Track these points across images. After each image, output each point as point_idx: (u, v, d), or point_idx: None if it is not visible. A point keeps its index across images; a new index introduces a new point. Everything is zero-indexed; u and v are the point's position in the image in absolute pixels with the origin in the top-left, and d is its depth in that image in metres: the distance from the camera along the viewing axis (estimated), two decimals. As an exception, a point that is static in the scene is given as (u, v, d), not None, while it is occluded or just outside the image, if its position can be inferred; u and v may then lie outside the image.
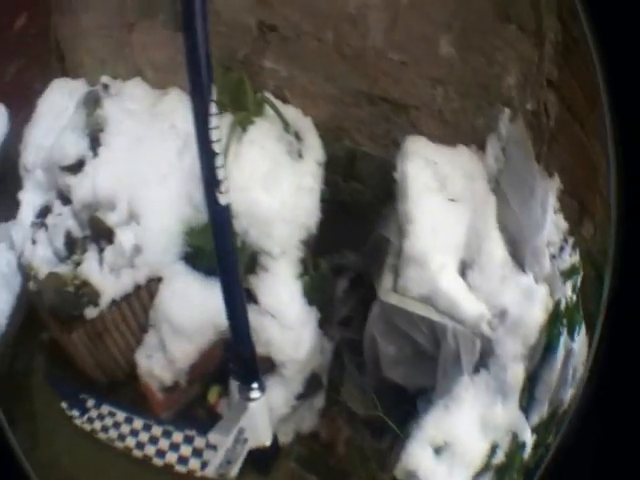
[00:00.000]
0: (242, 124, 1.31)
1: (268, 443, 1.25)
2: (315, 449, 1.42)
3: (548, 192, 1.20)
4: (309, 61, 1.38)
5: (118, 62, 1.73)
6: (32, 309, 1.70)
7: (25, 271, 1.69)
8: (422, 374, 1.28)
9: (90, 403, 1.58)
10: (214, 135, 0.90)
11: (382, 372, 1.31)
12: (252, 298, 1.28)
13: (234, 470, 1.17)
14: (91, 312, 1.41)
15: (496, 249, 1.24)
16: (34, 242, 1.68)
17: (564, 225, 1.25)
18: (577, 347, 1.14)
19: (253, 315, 1.22)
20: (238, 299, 1.11)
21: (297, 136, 1.34)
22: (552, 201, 1.21)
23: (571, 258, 1.22)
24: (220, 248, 1.08)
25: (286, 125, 1.33)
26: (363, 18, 1.28)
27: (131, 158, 1.44)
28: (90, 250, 1.46)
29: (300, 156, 1.32)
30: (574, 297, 1.17)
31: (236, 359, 1.21)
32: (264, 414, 1.21)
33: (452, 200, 1.27)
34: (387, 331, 1.25)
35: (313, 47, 1.35)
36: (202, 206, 1.33)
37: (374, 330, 1.26)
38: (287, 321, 1.26)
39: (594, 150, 1.13)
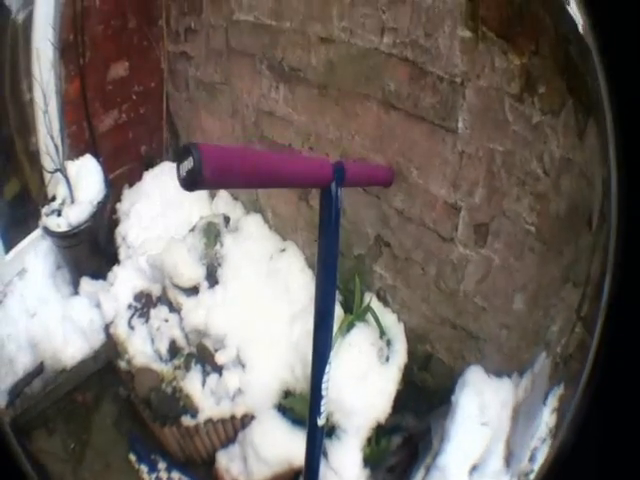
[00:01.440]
0: (348, 326, 1.62)
1: None
2: None
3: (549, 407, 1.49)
4: (412, 281, 1.65)
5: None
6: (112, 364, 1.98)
7: (115, 345, 1.95)
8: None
9: (162, 465, 1.91)
10: (325, 378, 1.15)
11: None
12: (324, 453, 1.67)
13: None
14: (188, 421, 1.75)
15: (497, 461, 1.63)
16: (132, 327, 1.94)
17: (553, 421, 1.45)
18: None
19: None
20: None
21: (388, 342, 1.66)
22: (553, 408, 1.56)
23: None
24: (310, 454, 1.38)
25: (382, 333, 1.64)
26: (462, 267, 1.55)
27: (246, 309, 1.71)
28: (194, 370, 1.78)
29: (387, 360, 1.65)
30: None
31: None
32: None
33: (483, 424, 1.66)
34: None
35: (417, 272, 1.63)
36: (300, 378, 1.69)
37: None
38: (345, 477, 1.67)
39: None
